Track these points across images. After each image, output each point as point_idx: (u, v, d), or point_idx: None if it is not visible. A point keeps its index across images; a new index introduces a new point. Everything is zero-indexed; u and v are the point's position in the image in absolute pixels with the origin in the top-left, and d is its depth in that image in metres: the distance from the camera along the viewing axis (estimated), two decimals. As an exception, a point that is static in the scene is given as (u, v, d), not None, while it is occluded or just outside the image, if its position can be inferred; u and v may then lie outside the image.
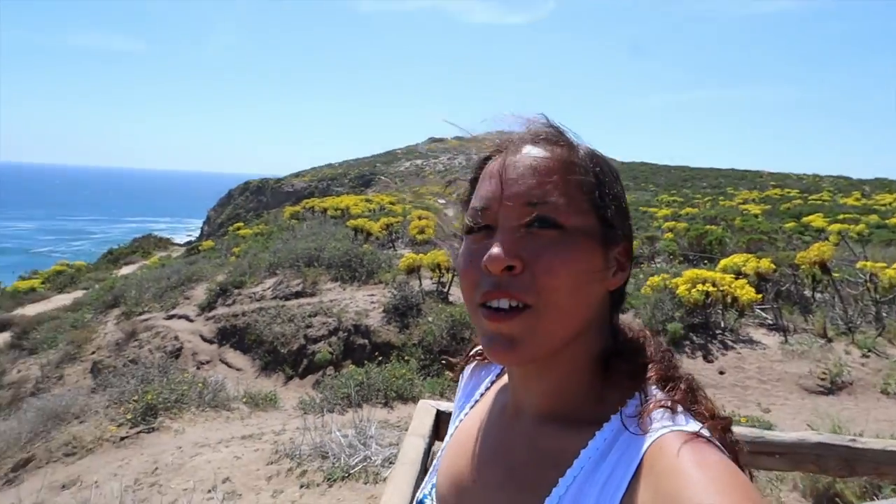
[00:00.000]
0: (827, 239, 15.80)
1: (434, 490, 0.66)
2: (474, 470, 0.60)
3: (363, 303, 9.50)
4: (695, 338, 6.67)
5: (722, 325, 6.93)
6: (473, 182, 0.59)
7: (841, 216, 24.04)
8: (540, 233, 0.51)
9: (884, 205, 33.23)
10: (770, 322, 7.18)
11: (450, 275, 10.48)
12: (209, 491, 3.63)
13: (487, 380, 0.71)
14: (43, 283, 18.41)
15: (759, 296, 7.08)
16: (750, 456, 1.92)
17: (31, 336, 10.60)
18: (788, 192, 41.66)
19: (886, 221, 22.73)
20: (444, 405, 1.69)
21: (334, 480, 3.53)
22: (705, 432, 0.47)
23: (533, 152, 0.54)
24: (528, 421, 0.58)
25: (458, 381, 0.78)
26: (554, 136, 0.55)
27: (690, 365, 6.17)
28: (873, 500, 2.94)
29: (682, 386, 0.52)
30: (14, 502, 3.91)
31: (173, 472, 4.00)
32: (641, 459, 0.46)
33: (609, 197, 0.54)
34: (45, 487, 4.09)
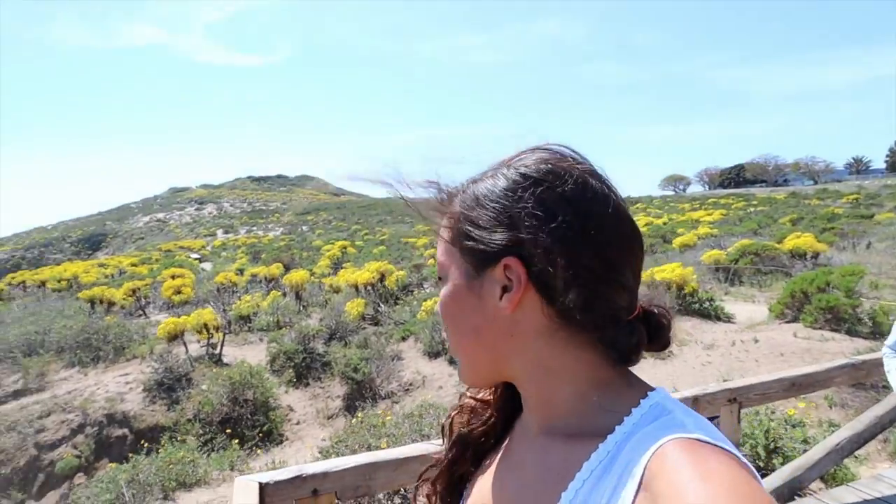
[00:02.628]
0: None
1: None
2: (492, 490, 0.61)
3: (115, 386, 8.01)
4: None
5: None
6: None
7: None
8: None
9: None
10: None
11: (220, 334, 9.54)
12: None
13: None
14: None
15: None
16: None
17: None
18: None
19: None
20: (266, 476, 1.53)
21: None
22: (708, 435, 0.44)
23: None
24: (537, 437, 0.58)
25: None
26: (442, 197, 0.61)
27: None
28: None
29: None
30: None
31: None
32: (644, 472, 0.43)
33: (469, 228, 0.55)
34: None
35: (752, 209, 35.84)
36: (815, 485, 3.22)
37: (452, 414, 0.70)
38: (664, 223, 26.56)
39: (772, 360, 6.88)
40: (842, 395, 5.69)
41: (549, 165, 0.54)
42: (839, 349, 7.05)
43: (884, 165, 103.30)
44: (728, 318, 9.36)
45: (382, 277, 11.83)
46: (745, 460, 0.42)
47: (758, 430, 3.36)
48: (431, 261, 16.69)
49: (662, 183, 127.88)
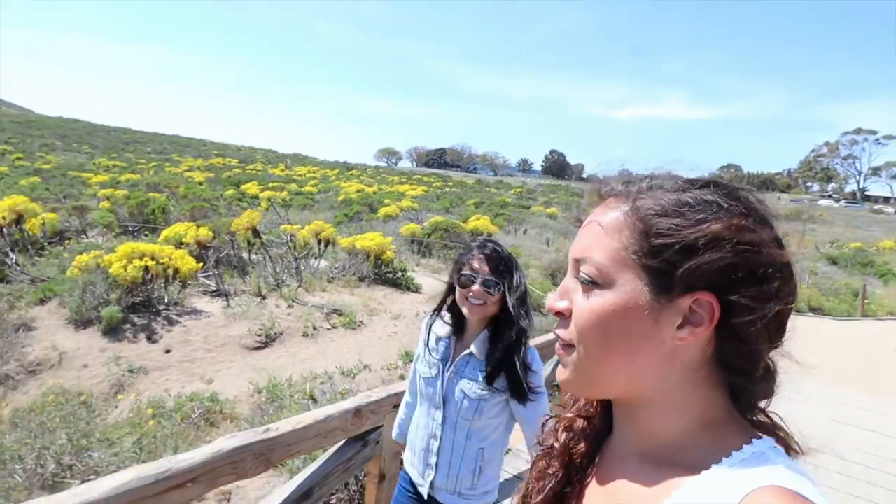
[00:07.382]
0: (259, 205, 17.93)
1: None
2: None
3: None
4: (137, 319, 6.07)
5: (165, 299, 6.60)
6: None
7: (270, 184, 27.82)
8: (583, 286, 0.57)
9: (300, 175, 40.94)
10: (213, 289, 7.38)
11: None
12: None
13: None
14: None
15: (200, 264, 7.13)
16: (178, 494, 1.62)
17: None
18: (230, 162, 45.01)
19: (302, 189, 27.84)
20: None
21: None
22: (807, 492, 0.45)
23: (596, 213, 0.59)
24: (626, 460, 0.58)
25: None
26: (620, 193, 0.57)
27: (133, 350, 5.59)
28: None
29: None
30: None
31: None
32: None
33: (666, 249, 0.51)
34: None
35: (447, 189, 40.65)
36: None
37: (559, 428, 0.68)
38: (374, 192, 27.88)
39: (446, 329, 7.61)
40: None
41: (766, 207, 0.54)
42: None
43: (541, 168, 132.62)
44: (416, 289, 10.13)
45: (20, 218, 9.03)
46: None
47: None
48: (105, 203, 13.69)
49: (377, 154, 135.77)
